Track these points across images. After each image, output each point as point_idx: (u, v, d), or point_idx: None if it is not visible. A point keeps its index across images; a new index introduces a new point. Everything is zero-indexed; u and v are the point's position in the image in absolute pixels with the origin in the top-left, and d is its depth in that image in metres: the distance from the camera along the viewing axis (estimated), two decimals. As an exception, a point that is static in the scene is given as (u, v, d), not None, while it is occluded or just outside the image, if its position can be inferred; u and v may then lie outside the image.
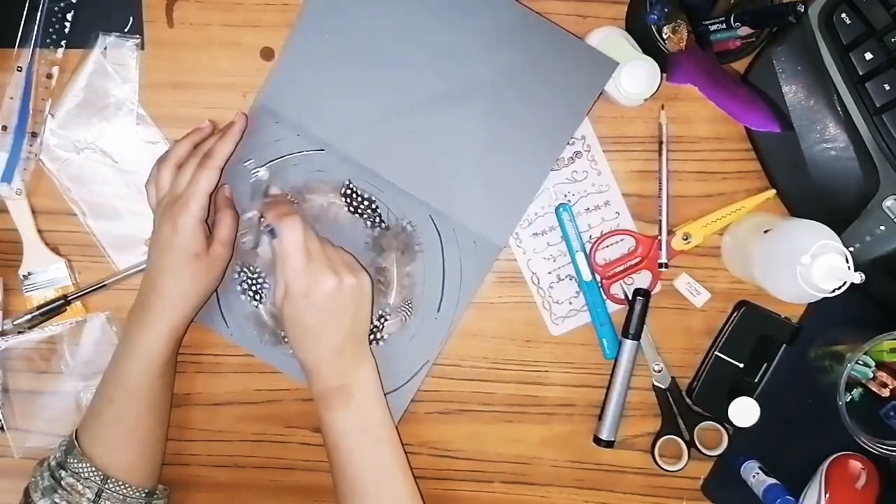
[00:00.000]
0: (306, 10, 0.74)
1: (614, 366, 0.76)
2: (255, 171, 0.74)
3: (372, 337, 0.76)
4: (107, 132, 0.76)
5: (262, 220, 0.72)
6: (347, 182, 0.76)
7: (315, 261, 0.68)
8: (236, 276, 0.76)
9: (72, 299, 0.76)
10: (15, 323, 0.76)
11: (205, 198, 0.70)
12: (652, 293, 0.76)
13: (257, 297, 0.76)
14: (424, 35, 0.74)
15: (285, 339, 0.76)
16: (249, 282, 0.76)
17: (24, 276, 0.76)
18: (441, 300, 0.76)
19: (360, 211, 0.76)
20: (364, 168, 0.75)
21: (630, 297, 0.76)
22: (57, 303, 0.76)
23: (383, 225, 0.76)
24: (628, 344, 0.76)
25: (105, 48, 0.75)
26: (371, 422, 0.71)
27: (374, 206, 0.76)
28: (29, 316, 0.75)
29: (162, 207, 0.71)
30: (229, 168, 0.73)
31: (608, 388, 0.77)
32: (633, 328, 0.75)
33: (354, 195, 0.76)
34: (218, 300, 0.76)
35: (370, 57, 0.74)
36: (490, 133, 0.75)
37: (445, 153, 0.75)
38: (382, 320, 0.77)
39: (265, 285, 0.76)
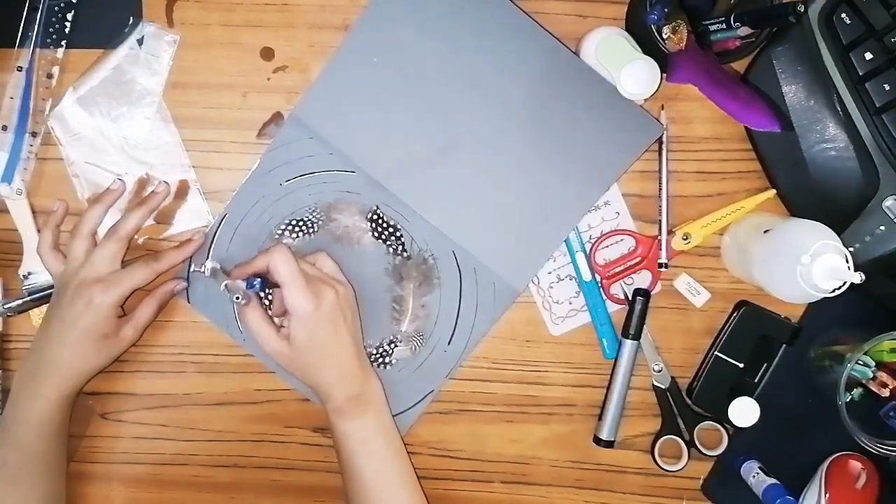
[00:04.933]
0: (357, 29, 0.73)
1: (614, 366, 0.76)
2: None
3: (381, 360, 0.77)
4: (125, 117, 0.75)
5: (226, 281, 0.70)
6: (375, 207, 0.75)
7: (312, 278, 0.69)
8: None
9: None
10: (5, 307, 0.75)
11: (131, 290, 0.71)
12: (652, 293, 0.76)
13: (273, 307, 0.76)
14: (470, 72, 0.73)
15: None
16: (266, 291, 0.76)
17: (24, 276, 0.76)
18: (452, 335, 0.76)
19: (383, 237, 0.76)
20: (393, 196, 0.75)
21: (630, 297, 0.76)
22: (48, 291, 0.75)
23: (405, 254, 0.76)
24: (628, 344, 0.76)
25: (142, 36, 0.75)
26: (386, 426, 0.73)
27: (398, 234, 0.76)
28: (20, 301, 0.75)
29: (76, 279, 0.70)
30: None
31: (608, 388, 0.77)
32: (633, 328, 0.75)
33: (381, 221, 0.76)
34: (234, 308, 0.76)
35: (412, 87, 0.74)
36: (523, 177, 0.74)
37: (476, 191, 0.75)
38: (392, 346, 0.77)
39: None
